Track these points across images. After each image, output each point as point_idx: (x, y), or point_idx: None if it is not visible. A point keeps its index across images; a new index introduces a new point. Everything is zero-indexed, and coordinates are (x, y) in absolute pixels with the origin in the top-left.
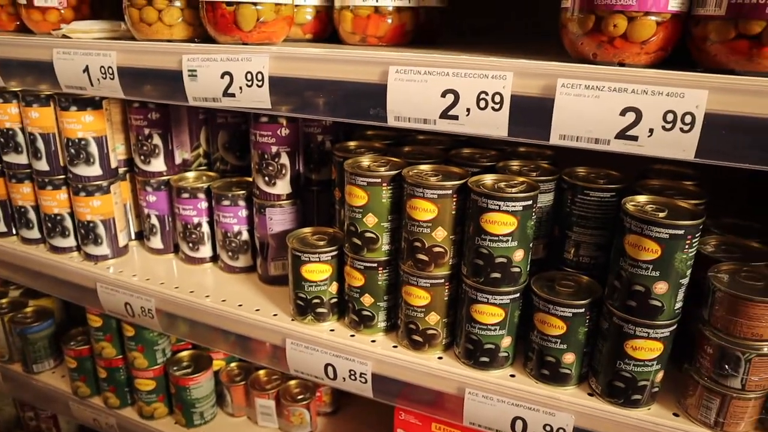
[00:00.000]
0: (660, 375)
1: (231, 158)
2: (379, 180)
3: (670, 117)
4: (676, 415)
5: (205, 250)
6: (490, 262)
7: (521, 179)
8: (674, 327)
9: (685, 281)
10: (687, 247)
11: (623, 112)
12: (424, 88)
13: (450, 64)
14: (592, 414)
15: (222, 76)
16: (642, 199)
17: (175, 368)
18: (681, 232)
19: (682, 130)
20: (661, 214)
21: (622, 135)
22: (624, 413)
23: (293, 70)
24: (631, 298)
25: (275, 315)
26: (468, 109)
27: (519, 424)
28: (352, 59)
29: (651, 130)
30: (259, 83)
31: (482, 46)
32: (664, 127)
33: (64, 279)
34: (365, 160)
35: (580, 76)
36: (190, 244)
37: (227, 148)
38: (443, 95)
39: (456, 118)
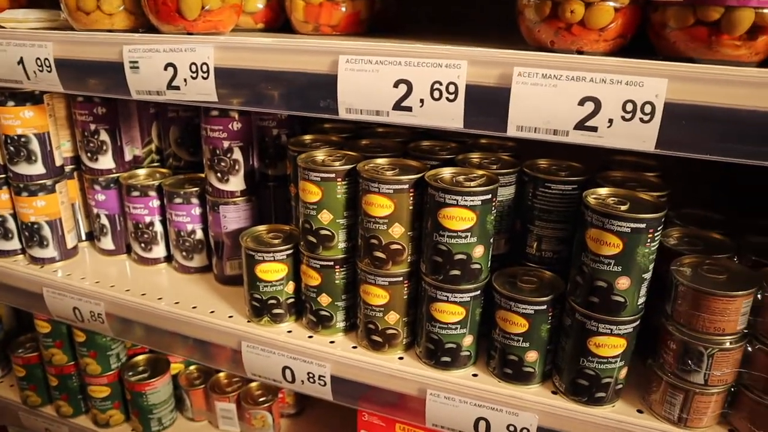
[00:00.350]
0: (624, 371)
1: (184, 154)
2: (333, 175)
3: (629, 107)
4: (640, 411)
5: (159, 250)
6: (449, 259)
7: (480, 172)
8: (637, 323)
9: (647, 276)
10: (649, 241)
11: (582, 102)
12: (376, 78)
13: (402, 52)
14: (556, 413)
15: (165, 68)
16: (603, 191)
17: (130, 373)
18: (642, 225)
19: (642, 120)
20: (623, 207)
21: (581, 126)
22: (588, 411)
23: (240, 60)
24: (594, 294)
25: (231, 317)
26: (422, 100)
27: (482, 425)
28: (301, 49)
29: (610, 121)
30: (205, 75)
31: (440, 35)
32: (623, 118)
33: (8, 284)
34: (319, 155)
35: (536, 64)
36: (143, 245)
37: (180, 143)
38: (396, 85)
39: (410, 109)
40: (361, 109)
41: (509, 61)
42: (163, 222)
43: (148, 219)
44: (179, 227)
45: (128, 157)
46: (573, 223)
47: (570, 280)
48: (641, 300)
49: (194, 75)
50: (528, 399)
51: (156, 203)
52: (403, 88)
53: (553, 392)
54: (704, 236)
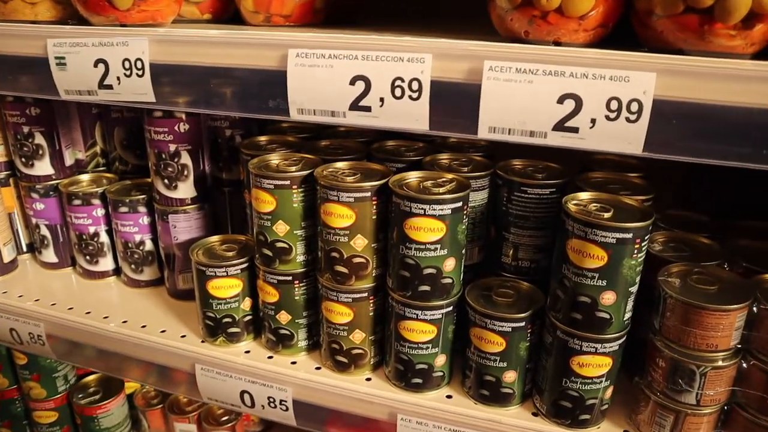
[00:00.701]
0: (609, 391)
1: (131, 157)
2: (288, 182)
3: (614, 105)
4: None
5: (106, 263)
6: (417, 273)
7: (450, 176)
8: (623, 339)
9: (634, 289)
10: (636, 251)
11: (561, 100)
12: (330, 74)
13: (359, 45)
14: None
15: (96, 65)
16: (585, 196)
17: (80, 396)
18: (629, 235)
19: (628, 119)
20: (606, 215)
21: (560, 126)
22: None
23: (178, 56)
24: (576, 309)
25: (183, 336)
26: (382, 99)
27: None
28: (246, 42)
29: (593, 121)
30: (140, 72)
31: (404, 26)
32: (608, 117)
33: None
34: (274, 159)
35: (509, 57)
36: (88, 257)
37: (125, 146)
38: (352, 83)
39: (368, 109)
40: (314, 109)
41: (479, 54)
42: (110, 232)
43: (92, 229)
44: (126, 238)
45: (69, 161)
46: (552, 230)
47: (550, 293)
48: (627, 315)
49: (128, 72)
50: (507, 423)
51: (100, 212)
52: (360, 85)
53: (534, 414)
54: (691, 241)
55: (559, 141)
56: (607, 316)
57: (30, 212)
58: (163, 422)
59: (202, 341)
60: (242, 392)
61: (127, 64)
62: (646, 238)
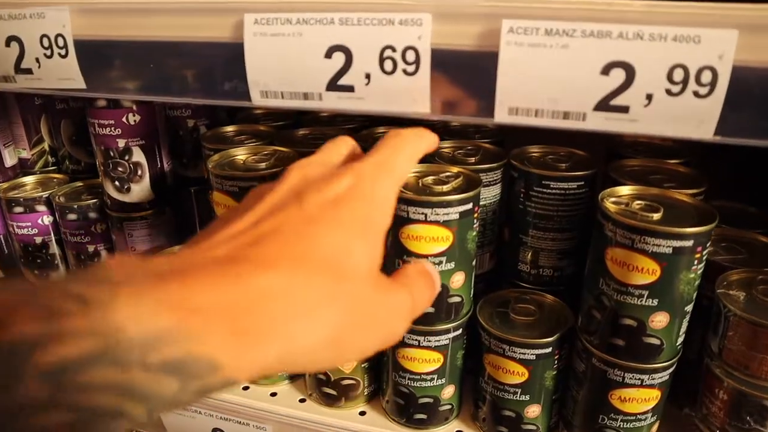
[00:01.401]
0: (655, 427)
1: (82, 155)
2: (257, 183)
3: (678, 75)
4: None
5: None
6: None
7: (456, 169)
8: (675, 366)
9: (690, 308)
10: (696, 262)
11: (606, 70)
12: (299, 45)
13: (334, 6)
14: None
15: (8, 44)
16: (625, 191)
17: None
18: (689, 243)
19: (696, 94)
20: (656, 216)
21: (605, 105)
22: None
23: (107, 29)
24: (618, 334)
25: None
26: (368, 75)
27: None
28: (192, 8)
29: (649, 97)
30: (62, 51)
31: None
32: (669, 91)
33: None
34: (240, 154)
35: (536, 15)
36: (36, 272)
37: (75, 141)
38: (329, 55)
39: (351, 89)
40: (281, 91)
41: (495, 11)
42: (60, 242)
43: (38, 240)
44: (78, 249)
45: (10, 161)
46: (580, 230)
47: (582, 312)
48: (681, 339)
49: (48, 52)
50: None
51: (47, 220)
52: (339, 58)
53: None
54: (745, 239)
55: (603, 124)
56: (657, 342)
57: None
58: None
59: None
60: (214, 430)
61: (46, 42)
62: (707, 245)
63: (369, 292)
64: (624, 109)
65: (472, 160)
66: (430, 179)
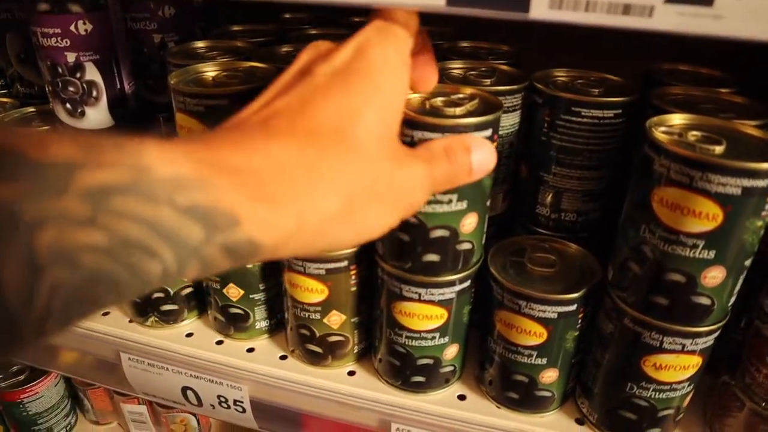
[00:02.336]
0: (690, 397)
1: (33, 76)
2: (226, 102)
3: None
4: None
5: None
6: (421, 236)
7: (470, 91)
8: (721, 330)
9: (749, 262)
10: (766, 207)
11: None
12: None
13: None
14: None
15: None
16: (677, 120)
17: (0, 377)
18: (763, 183)
19: None
20: (718, 150)
21: None
22: None
23: None
24: (661, 292)
25: (106, 315)
26: None
27: None
28: None
29: None
30: None
31: None
32: None
33: None
34: (208, 70)
35: None
36: None
37: (23, 60)
38: None
39: None
40: None
41: None
42: None
43: None
44: None
45: None
46: (611, 169)
47: (614, 264)
48: (733, 299)
49: None
50: None
51: None
52: None
53: (579, 421)
54: None
55: (676, 22)
56: (708, 302)
57: None
58: (109, 402)
59: (130, 321)
60: (184, 389)
61: None
62: None
63: (382, 159)
64: (707, 1)
65: (488, 82)
66: (439, 101)
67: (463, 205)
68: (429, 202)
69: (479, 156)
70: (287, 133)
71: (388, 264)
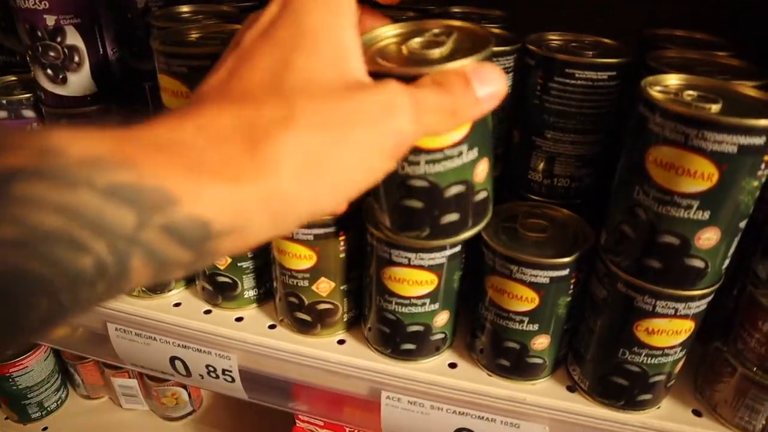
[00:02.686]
0: (682, 363)
1: (15, 43)
2: (209, 62)
3: None
4: (697, 413)
5: None
6: (436, 199)
7: (450, 23)
8: (714, 294)
9: (744, 224)
10: (763, 166)
11: None
12: None
13: None
14: (575, 422)
15: None
16: (672, 80)
17: None
18: (760, 141)
19: None
20: (714, 108)
21: None
22: (624, 420)
23: None
24: (654, 255)
25: None
26: None
27: None
28: None
29: None
30: None
31: None
32: None
33: None
34: (192, 32)
35: None
36: None
37: (4, 27)
38: None
39: None
40: None
41: None
42: None
43: None
44: None
45: None
46: (604, 134)
47: (607, 228)
48: (727, 262)
49: None
50: (535, 403)
51: None
52: None
53: (570, 388)
54: None
55: None
56: (701, 265)
57: None
58: (99, 376)
59: None
60: (172, 359)
61: None
62: None
63: (335, 99)
64: None
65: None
66: (416, 42)
67: (474, 153)
68: (438, 160)
69: (482, 79)
70: (218, 101)
71: (375, 229)
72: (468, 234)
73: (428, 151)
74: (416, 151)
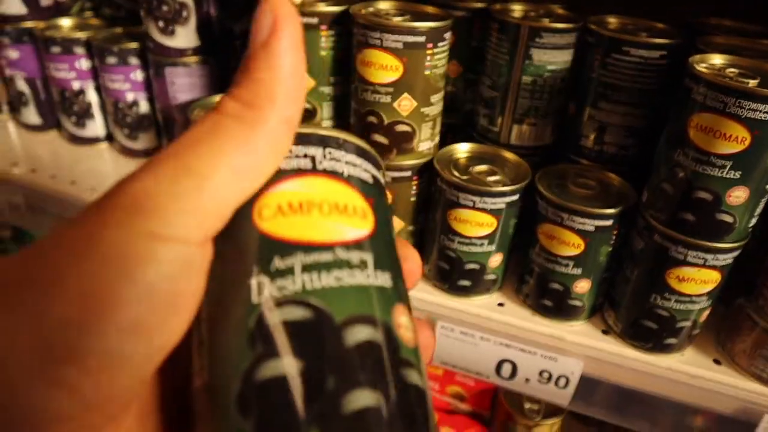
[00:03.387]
0: (706, 313)
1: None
2: (316, 20)
3: None
4: (717, 362)
5: (95, 127)
6: None
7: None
8: (740, 250)
9: None
10: None
11: None
12: None
13: None
14: (607, 360)
15: None
16: (717, 60)
17: None
18: None
19: None
20: (752, 83)
21: None
22: (651, 361)
23: None
24: (689, 209)
25: None
26: None
27: (506, 368)
28: None
29: None
30: None
31: None
32: None
33: None
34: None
35: None
36: (74, 118)
37: None
38: None
39: None
40: None
41: None
42: (98, 89)
43: (76, 85)
44: (117, 97)
45: (46, 1)
46: (653, 108)
47: (650, 187)
48: (754, 221)
49: None
50: (572, 341)
51: (85, 64)
52: None
53: (604, 331)
54: None
55: None
56: (730, 220)
57: (3, 62)
58: None
59: None
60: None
61: None
62: None
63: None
64: None
65: (546, 21)
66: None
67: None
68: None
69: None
70: None
71: (445, 173)
72: (497, 188)
73: None
74: None
